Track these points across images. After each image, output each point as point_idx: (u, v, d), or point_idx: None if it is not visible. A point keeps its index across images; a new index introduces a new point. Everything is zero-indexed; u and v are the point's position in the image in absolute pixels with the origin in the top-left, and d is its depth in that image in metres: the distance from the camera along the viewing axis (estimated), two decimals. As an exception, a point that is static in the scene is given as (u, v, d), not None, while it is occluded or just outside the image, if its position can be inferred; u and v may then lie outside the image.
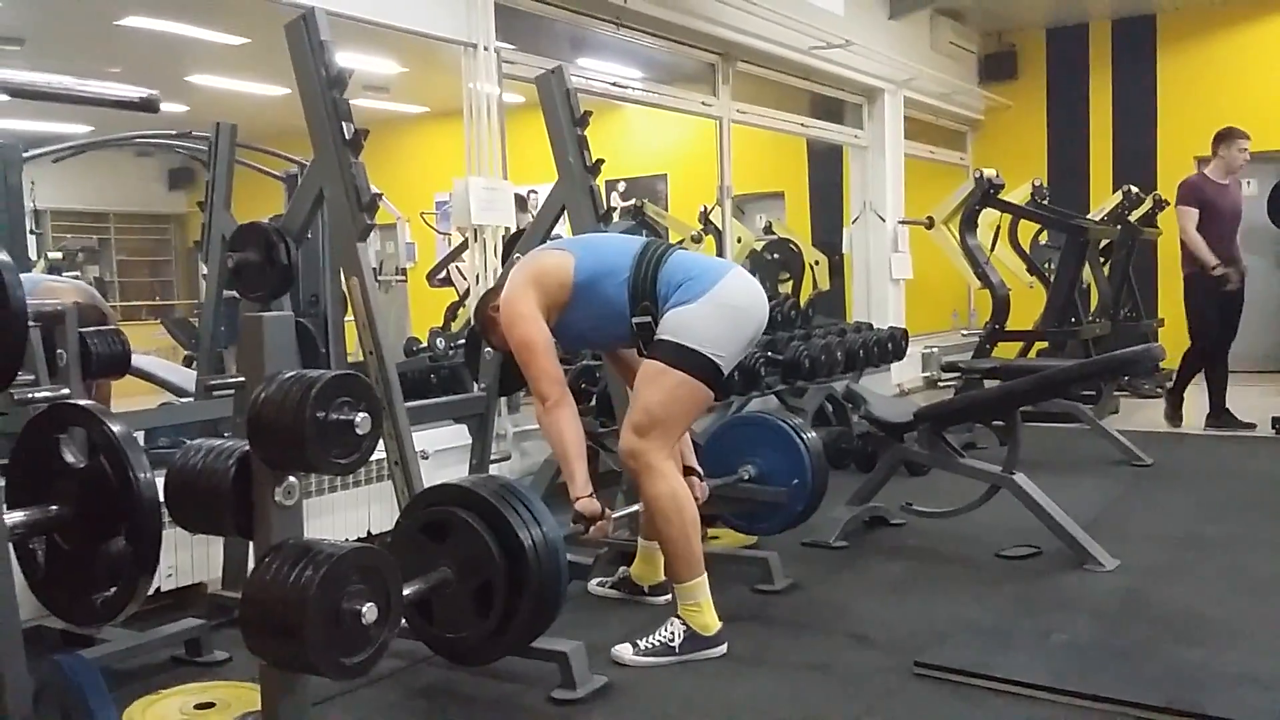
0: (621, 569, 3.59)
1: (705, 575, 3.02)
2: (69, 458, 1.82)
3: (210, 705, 2.68)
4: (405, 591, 2.12)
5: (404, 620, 2.33)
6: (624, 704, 2.70)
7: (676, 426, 3.06)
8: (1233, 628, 3.13)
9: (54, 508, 1.80)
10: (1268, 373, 9.30)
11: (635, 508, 3.34)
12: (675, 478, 3.03)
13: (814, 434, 3.80)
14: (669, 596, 3.37)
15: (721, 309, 2.99)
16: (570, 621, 3.25)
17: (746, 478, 3.71)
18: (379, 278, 7.55)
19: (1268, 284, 9.52)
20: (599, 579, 3.63)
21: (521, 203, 8.39)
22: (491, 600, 2.43)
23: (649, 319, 3.02)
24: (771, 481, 3.69)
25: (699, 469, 3.40)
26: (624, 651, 2.96)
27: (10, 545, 1.77)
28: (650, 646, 2.96)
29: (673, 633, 2.97)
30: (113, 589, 1.81)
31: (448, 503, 2.53)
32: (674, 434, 3.05)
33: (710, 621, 2.99)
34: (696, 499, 3.29)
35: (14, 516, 1.76)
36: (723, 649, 2.98)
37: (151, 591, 2.74)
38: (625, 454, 3.05)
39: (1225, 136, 6.54)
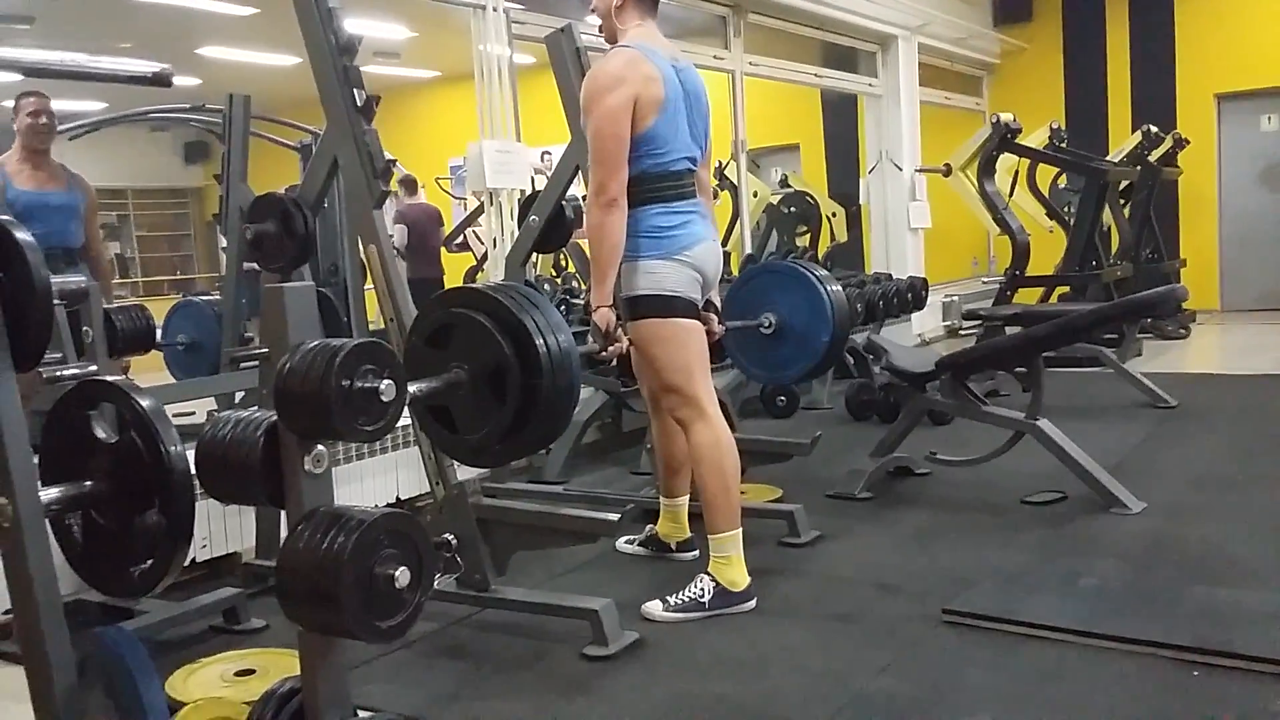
0: (649, 527, 3.62)
1: (740, 530, 3.03)
2: (100, 434, 1.84)
3: (250, 672, 2.73)
4: (418, 388, 2.09)
5: (426, 431, 2.20)
6: (655, 659, 2.73)
7: (699, 366, 3.06)
8: (1260, 567, 3.13)
9: (88, 484, 1.82)
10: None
11: None
12: (721, 426, 3.05)
13: (838, 285, 3.84)
14: (696, 553, 3.40)
15: (683, 263, 3.01)
16: (600, 579, 3.29)
17: (767, 324, 3.78)
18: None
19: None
20: (627, 537, 3.66)
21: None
22: (505, 393, 2.23)
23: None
24: (792, 329, 3.78)
25: (717, 304, 3.33)
26: (654, 608, 2.99)
27: (47, 521, 1.80)
28: (680, 602, 2.98)
29: (702, 589, 2.99)
30: (149, 561, 1.83)
31: (455, 305, 2.33)
32: (703, 373, 3.07)
33: (739, 577, 3.01)
34: (713, 334, 3.25)
35: (49, 493, 1.79)
36: (752, 604, 3.00)
37: (187, 562, 2.78)
38: (673, 413, 3.09)
39: None
